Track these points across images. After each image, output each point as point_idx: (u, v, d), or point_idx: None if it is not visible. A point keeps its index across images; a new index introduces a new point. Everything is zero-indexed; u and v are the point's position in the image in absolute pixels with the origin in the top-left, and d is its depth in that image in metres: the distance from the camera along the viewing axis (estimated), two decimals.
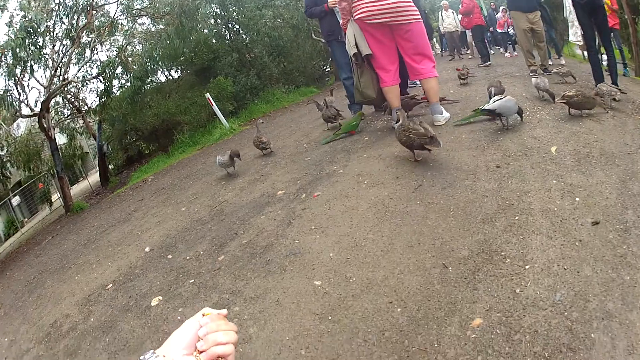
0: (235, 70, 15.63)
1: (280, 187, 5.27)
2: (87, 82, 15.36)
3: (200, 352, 1.08)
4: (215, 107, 12.21)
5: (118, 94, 15.02)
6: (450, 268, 2.88)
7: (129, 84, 14.91)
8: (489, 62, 11.47)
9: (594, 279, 2.44)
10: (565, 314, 2.26)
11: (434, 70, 5.57)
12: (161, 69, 16.70)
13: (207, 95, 12.35)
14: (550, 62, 9.33)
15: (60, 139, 16.00)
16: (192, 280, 3.85)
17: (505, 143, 4.43)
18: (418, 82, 7.68)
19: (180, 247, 4.70)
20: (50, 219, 13.14)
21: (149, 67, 15.19)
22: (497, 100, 4.75)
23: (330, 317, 2.83)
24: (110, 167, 16.81)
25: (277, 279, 3.41)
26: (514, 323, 2.30)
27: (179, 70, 17.32)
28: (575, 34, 8.02)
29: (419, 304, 2.67)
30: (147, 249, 5.02)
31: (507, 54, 13.80)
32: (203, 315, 1.13)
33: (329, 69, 20.86)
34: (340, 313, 2.83)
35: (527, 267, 2.66)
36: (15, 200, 16.59)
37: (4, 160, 13.85)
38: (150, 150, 16.42)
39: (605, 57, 6.95)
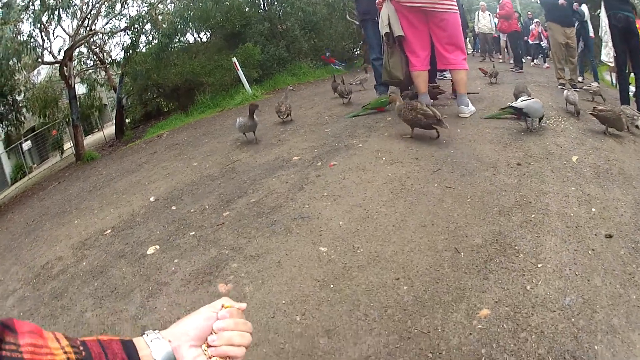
0: (265, 39, 15.44)
1: (296, 153, 5.16)
2: (114, 34, 15.21)
3: (209, 347, 1.01)
4: (240, 72, 12.05)
5: (144, 50, 14.87)
6: (462, 254, 2.82)
7: (156, 40, 14.75)
8: (521, 69, 11.42)
9: (602, 291, 2.44)
10: (573, 320, 2.24)
11: (464, 62, 5.58)
12: (190, 30, 16.49)
13: (234, 59, 12.19)
14: (580, 79, 9.43)
15: (80, 89, 15.87)
16: (193, 233, 3.71)
17: (527, 144, 4.48)
18: (447, 75, 7.99)
19: (186, 199, 4.57)
20: (60, 167, 13.05)
21: (179, 27, 15.03)
22: (525, 100, 4.87)
23: (331, 286, 2.71)
24: (127, 120, 16.70)
25: (281, 240, 3.28)
26: (522, 320, 2.26)
27: (208, 33, 17.11)
28: (607, 54, 7.88)
29: (426, 284, 2.60)
30: (151, 199, 4.89)
31: (544, 65, 13.54)
32: (222, 306, 1.05)
33: (358, 52, 20.64)
34: (342, 283, 2.72)
35: (539, 265, 2.63)
36: (27, 145, 16.48)
37: (20, 105, 13.77)
38: (170, 108, 16.29)
39: (633, 88, 7.01)
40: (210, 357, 1.00)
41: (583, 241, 2.85)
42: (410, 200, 3.52)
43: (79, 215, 5.33)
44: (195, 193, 4.68)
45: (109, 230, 4.34)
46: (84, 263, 3.80)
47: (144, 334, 0.98)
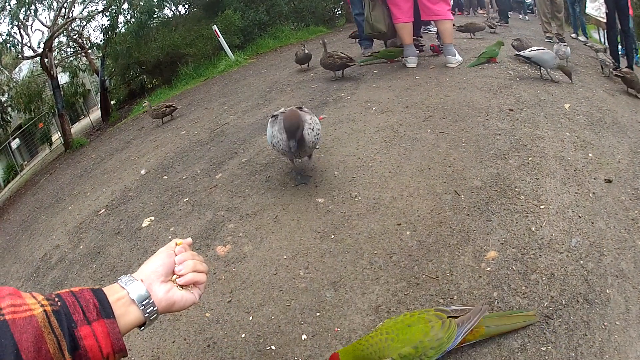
0: (244, 5, 15.13)
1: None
2: (92, 18, 14.99)
3: (179, 277, 1.17)
4: (221, 39, 11.90)
5: (123, 30, 14.69)
6: (462, 196, 2.81)
7: (134, 19, 14.54)
8: (507, 23, 11.31)
9: (607, 234, 2.43)
10: (581, 262, 2.23)
11: (449, 12, 5.54)
12: (169, 4, 16.26)
13: (214, 27, 12.02)
14: (576, 36, 9.63)
15: (63, 78, 15.68)
16: (187, 199, 3.63)
17: (518, 91, 4.51)
18: (431, 29, 8.08)
19: (177, 167, 4.48)
20: (50, 159, 12.93)
21: (155, 2, 14.82)
22: (534, 49, 4.96)
23: (332, 236, 2.65)
24: (112, 102, 16.55)
25: (277, 195, 3.21)
26: (530, 262, 2.25)
27: (186, 5, 16.87)
28: (597, 9, 7.80)
29: (429, 228, 2.57)
30: (142, 172, 4.79)
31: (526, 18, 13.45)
32: (176, 244, 1.22)
33: (340, 12, 20.40)
34: (343, 232, 2.66)
35: (541, 207, 2.62)
36: (15, 143, 16.28)
37: (5, 105, 13.65)
38: (153, 84, 16.08)
39: (621, 47, 7.12)
40: (181, 286, 1.16)
41: (583, 185, 2.86)
42: (405, 146, 3.47)
43: (72, 201, 5.25)
44: (186, 160, 4.58)
45: (103, 210, 4.24)
46: (81, 247, 3.72)
47: (118, 279, 1.09)
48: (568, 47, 5.73)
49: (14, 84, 14.13)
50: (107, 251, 3.42)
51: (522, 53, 4.97)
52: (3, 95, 13.43)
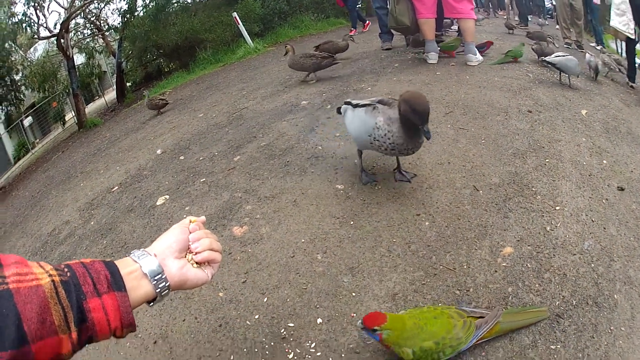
0: None
1: (304, 97, 5.05)
2: (110, 1, 14.98)
3: (194, 254, 1.16)
4: (241, 26, 11.88)
5: (142, 14, 14.68)
6: (480, 191, 2.80)
7: (153, 3, 14.54)
8: (526, 26, 11.37)
9: (618, 241, 2.42)
10: (592, 265, 2.24)
11: (472, 12, 5.55)
12: None
13: (234, 14, 11.98)
14: (596, 45, 9.42)
15: (79, 59, 15.68)
16: (204, 179, 3.59)
17: (537, 93, 4.46)
18: (452, 28, 8.11)
19: (194, 148, 4.44)
20: (62, 137, 12.92)
21: None
22: (559, 55, 4.93)
23: (352, 223, 2.62)
24: (127, 84, 16.55)
25: (296, 180, 3.17)
26: (544, 260, 2.25)
27: None
28: (625, 23, 7.67)
29: (448, 220, 2.56)
30: (158, 152, 4.76)
31: (546, 23, 13.40)
32: (190, 222, 1.21)
33: (359, 6, 20.33)
34: (363, 219, 2.63)
35: (557, 208, 2.62)
36: (27, 121, 16.30)
37: (19, 84, 13.69)
38: (170, 68, 16.02)
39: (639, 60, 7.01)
40: (196, 263, 1.15)
41: (597, 190, 2.84)
42: (425, 141, 3.39)
43: (84, 178, 5.24)
44: (203, 142, 4.54)
45: (116, 187, 4.23)
46: (92, 223, 3.70)
47: (130, 253, 1.07)
48: (599, 60, 5.64)
49: (29, 63, 14.14)
50: (118, 228, 3.40)
51: (547, 59, 4.94)
52: (17, 74, 13.44)
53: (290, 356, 1.95)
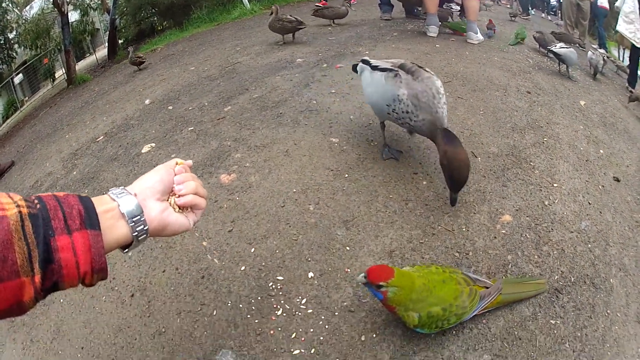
0: None
1: (299, 56, 4.92)
2: None
3: (177, 197, 1.06)
4: None
5: None
6: (479, 158, 2.77)
7: None
8: (528, 15, 11.32)
9: (613, 227, 2.44)
10: (589, 245, 2.24)
11: None
12: None
13: None
14: (600, 50, 9.39)
15: (73, 16, 15.57)
16: (192, 128, 3.46)
17: (536, 78, 4.47)
18: (453, 7, 7.80)
19: (183, 99, 4.30)
20: (51, 94, 12.84)
21: None
22: (564, 47, 5.05)
23: (346, 176, 2.54)
24: (120, 41, 16.50)
25: (288, 131, 3.05)
26: (543, 233, 2.24)
27: None
28: (632, 32, 7.62)
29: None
30: (146, 102, 4.61)
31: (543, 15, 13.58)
32: (176, 164, 1.11)
33: None
34: (358, 173, 2.56)
35: (554, 185, 2.62)
36: (18, 78, 16.18)
37: (12, 42, 13.56)
38: (164, 26, 16.00)
39: None
40: (178, 207, 1.05)
41: (593, 175, 2.85)
42: None
43: (70, 130, 5.09)
44: (193, 93, 4.41)
45: (102, 137, 4.08)
46: (74, 172, 3.58)
47: (108, 191, 0.96)
48: (601, 59, 5.68)
49: (23, 21, 14.03)
50: (101, 176, 3.28)
51: (553, 49, 5.01)
52: (11, 32, 13.30)
53: (279, 312, 1.86)
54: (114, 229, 0.91)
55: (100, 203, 0.91)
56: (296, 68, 4.43)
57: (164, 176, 1.04)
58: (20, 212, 0.76)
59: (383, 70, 2.43)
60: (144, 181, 1.02)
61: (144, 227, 0.95)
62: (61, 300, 2.24)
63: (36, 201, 0.81)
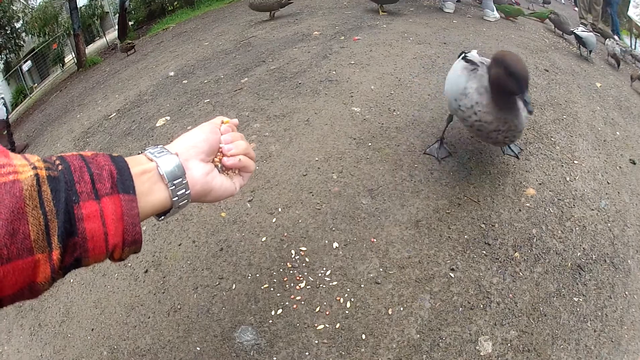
0: None
1: (316, 29, 4.83)
2: None
3: (224, 157, 0.93)
4: None
5: None
6: None
7: None
8: (548, 2, 11.26)
9: (630, 209, 2.41)
10: (609, 225, 2.22)
11: None
12: None
13: None
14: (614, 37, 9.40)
15: (82, 1, 15.55)
16: (208, 100, 3.38)
17: (553, 57, 4.36)
18: None
19: (198, 73, 4.22)
20: (61, 78, 12.84)
21: None
22: (585, 31, 5.07)
23: (369, 144, 2.49)
24: (130, 23, 16.46)
25: (309, 100, 2.97)
26: (565, 209, 2.23)
27: None
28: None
29: (469, 153, 2.49)
30: (160, 78, 4.54)
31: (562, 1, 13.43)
32: (222, 122, 0.97)
33: None
34: (381, 142, 2.50)
35: (575, 162, 2.59)
36: (27, 65, 16.12)
37: (19, 31, 13.54)
38: (174, 6, 15.96)
39: None
40: (226, 170, 0.94)
41: (611, 156, 2.80)
42: (444, 76, 3.24)
43: (81, 110, 5.03)
44: (208, 67, 4.33)
45: (114, 114, 4.00)
46: (86, 149, 3.48)
47: (144, 150, 0.81)
48: (618, 46, 5.61)
49: (30, 10, 13.98)
50: (114, 152, 3.10)
51: (576, 32, 5.03)
52: (17, 22, 13.27)
53: (302, 285, 1.80)
54: (150, 193, 0.77)
55: (136, 163, 0.77)
56: (313, 40, 4.36)
57: (209, 135, 0.90)
58: (37, 174, 0.63)
59: (468, 61, 2.15)
60: (186, 139, 0.88)
61: (186, 191, 0.82)
62: (71, 280, 2.18)
63: (58, 162, 0.69)
